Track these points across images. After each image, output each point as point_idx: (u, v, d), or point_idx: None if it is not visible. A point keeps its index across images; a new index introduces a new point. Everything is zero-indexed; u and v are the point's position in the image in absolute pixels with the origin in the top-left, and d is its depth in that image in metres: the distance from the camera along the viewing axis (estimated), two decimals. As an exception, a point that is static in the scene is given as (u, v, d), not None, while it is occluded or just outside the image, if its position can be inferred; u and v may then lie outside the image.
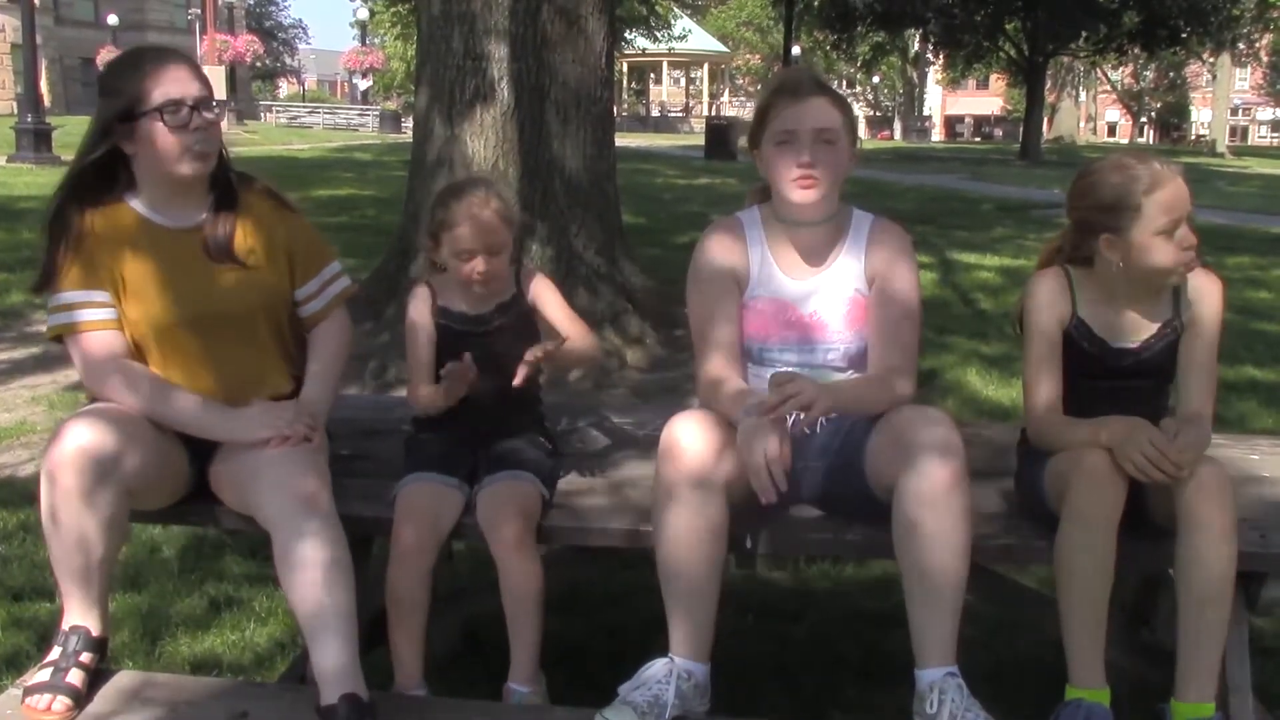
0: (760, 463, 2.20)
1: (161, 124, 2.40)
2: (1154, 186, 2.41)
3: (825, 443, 2.55)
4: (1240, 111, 70.22)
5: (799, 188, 2.48)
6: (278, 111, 43.97)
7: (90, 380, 2.48)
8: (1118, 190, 2.44)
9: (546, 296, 2.78)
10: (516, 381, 2.55)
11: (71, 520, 2.26)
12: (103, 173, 2.49)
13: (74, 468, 2.24)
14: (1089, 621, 2.32)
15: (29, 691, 2.27)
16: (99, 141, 2.45)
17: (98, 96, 2.49)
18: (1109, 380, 2.54)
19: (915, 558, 2.27)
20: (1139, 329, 2.55)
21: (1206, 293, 2.55)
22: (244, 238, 2.56)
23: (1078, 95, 61.83)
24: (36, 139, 17.85)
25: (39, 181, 14.89)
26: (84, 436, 2.26)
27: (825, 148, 2.47)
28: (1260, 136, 74.01)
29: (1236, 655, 2.40)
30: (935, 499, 2.24)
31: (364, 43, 44.41)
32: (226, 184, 2.58)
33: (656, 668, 2.27)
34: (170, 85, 2.41)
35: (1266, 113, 73.82)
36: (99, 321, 2.46)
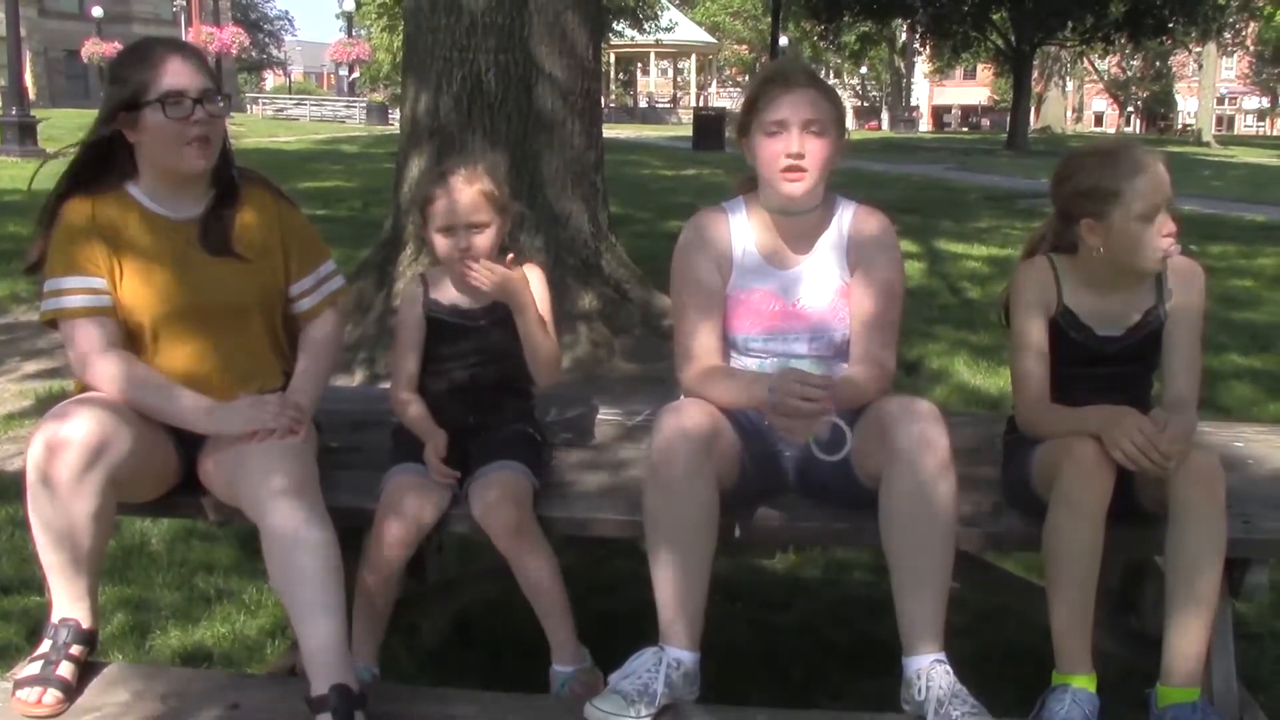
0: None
1: (163, 115, 2.41)
2: (1135, 172, 2.43)
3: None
4: (1226, 101, 70.36)
5: (787, 178, 2.49)
6: (264, 103, 43.72)
7: (79, 366, 2.48)
8: (1099, 175, 2.46)
9: (534, 286, 2.77)
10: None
11: (58, 510, 2.26)
12: (104, 160, 2.50)
13: (60, 457, 2.24)
14: (1076, 608, 2.34)
15: (19, 685, 2.27)
16: (101, 127, 2.46)
17: (107, 85, 2.50)
18: (1095, 367, 2.56)
19: (902, 546, 2.29)
20: (1124, 316, 2.56)
21: (1188, 279, 2.57)
22: (242, 231, 2.57)
23: (1064, 85, 61.79)
24: (21, 132, 17.74)
25: (24, 175, 14.76)
26: (70, 426, 2.26)
27: (814, 139, 2.48)
28: (1246, 125, 74.17)
29: (1221, 640, 2.43)
30: (921, 487, 2.26)
31: (350, 34, 44.17)
32: (228, 178, 2.59)
33: (646, 656, 2.28)
34: (174, 76, 2.42)
35: (1252, 102, 73.95)
36: (91, 308, 2.46)
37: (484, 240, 2.66)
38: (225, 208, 2.58)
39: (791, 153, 2.47)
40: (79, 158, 2.50)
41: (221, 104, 2.51)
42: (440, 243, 2.68)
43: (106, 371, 2.43)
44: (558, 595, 2.51)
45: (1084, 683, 2.31)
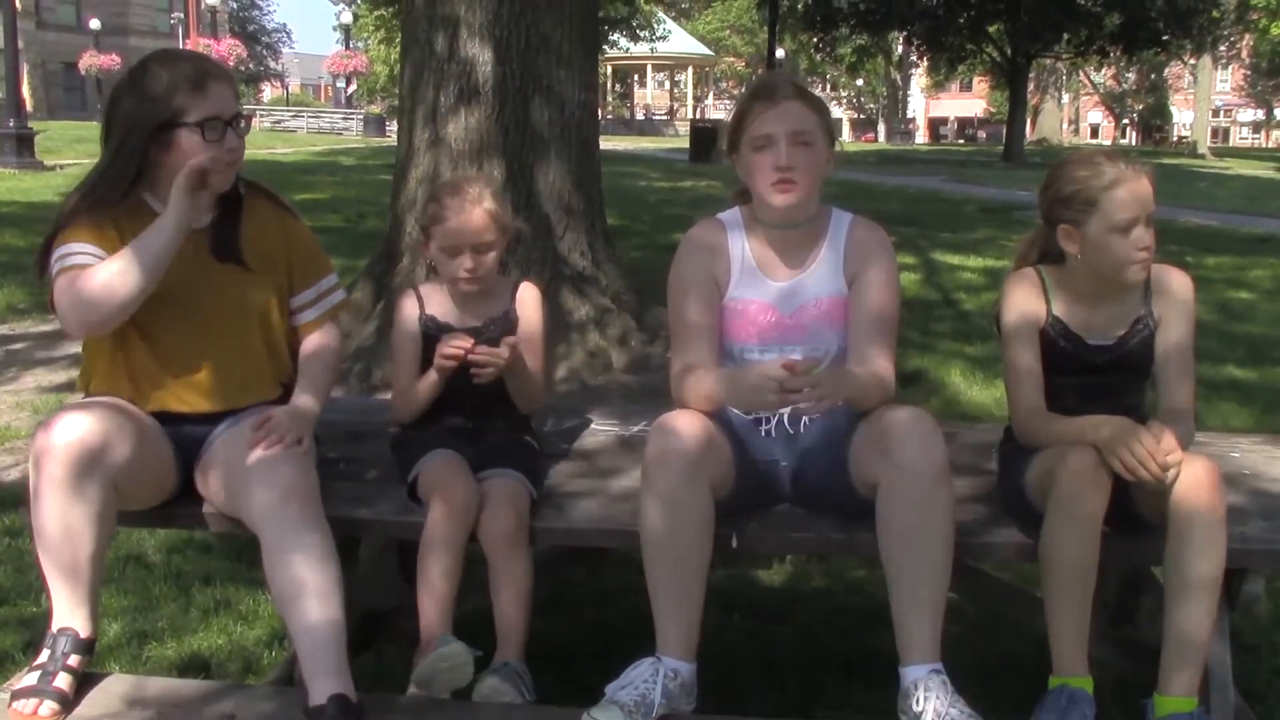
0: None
1: (201, 139, 2.42)
2: (1115, 184, 2.44)
3: (809, 441, 2.57)
4: (1222, 113, 70.53)
5: (778, 191, 2.50)
6: (261, 115, 43.72)
7: (74, 298, 2.36)
8: (1079, 184, 2.48)
9: (529, 305, 2.79)
10: (481, 376, 2.58)
11: (58, 512, 2.27)
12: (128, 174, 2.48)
13: (60, 458, 2.25)
14: (1073, 613, 2.34)
15: (16, 696, 2.27)
16: (136, 147, 2.43)
17: (125, 95, 2.46)
18: (1086, 376, 2.57)
19: (899, 556, 2.29)
20: (1113, 325, 2.57)
21: (1175, 289, 2.58)
22: (248, 241, 2.59)
23: (1060, 97, 62.07)
24: (19, 144, 17.80)
25: (21, 187, 14.83)
26: (70, 428, 2.27)
27: (803, 150, 2.49)
28: (1241, 137, 74.33)
29: (1219, 650, 2.43)
30: (919, 497, 2.26)
31: (347, 46, 44.26)
32: (233, 188, 2.60)
33: (643, 667, 2.28)
34: (214, 101, 2.44)
35: (1248, 114, 74.15)
36: (77, 265, 2.39)
37: (488, 263, 2.69)
38: (233, 216, 2.59)
39: (780, 165, 2.48)
40: (108, 176, 2.47)
41: (244, 125, 2.52)
42: (444, 262, 2.69)
43: (98, 275, 2.35)
44: (525, 609, 2.53)
45: (1081, 684, 2.31)
